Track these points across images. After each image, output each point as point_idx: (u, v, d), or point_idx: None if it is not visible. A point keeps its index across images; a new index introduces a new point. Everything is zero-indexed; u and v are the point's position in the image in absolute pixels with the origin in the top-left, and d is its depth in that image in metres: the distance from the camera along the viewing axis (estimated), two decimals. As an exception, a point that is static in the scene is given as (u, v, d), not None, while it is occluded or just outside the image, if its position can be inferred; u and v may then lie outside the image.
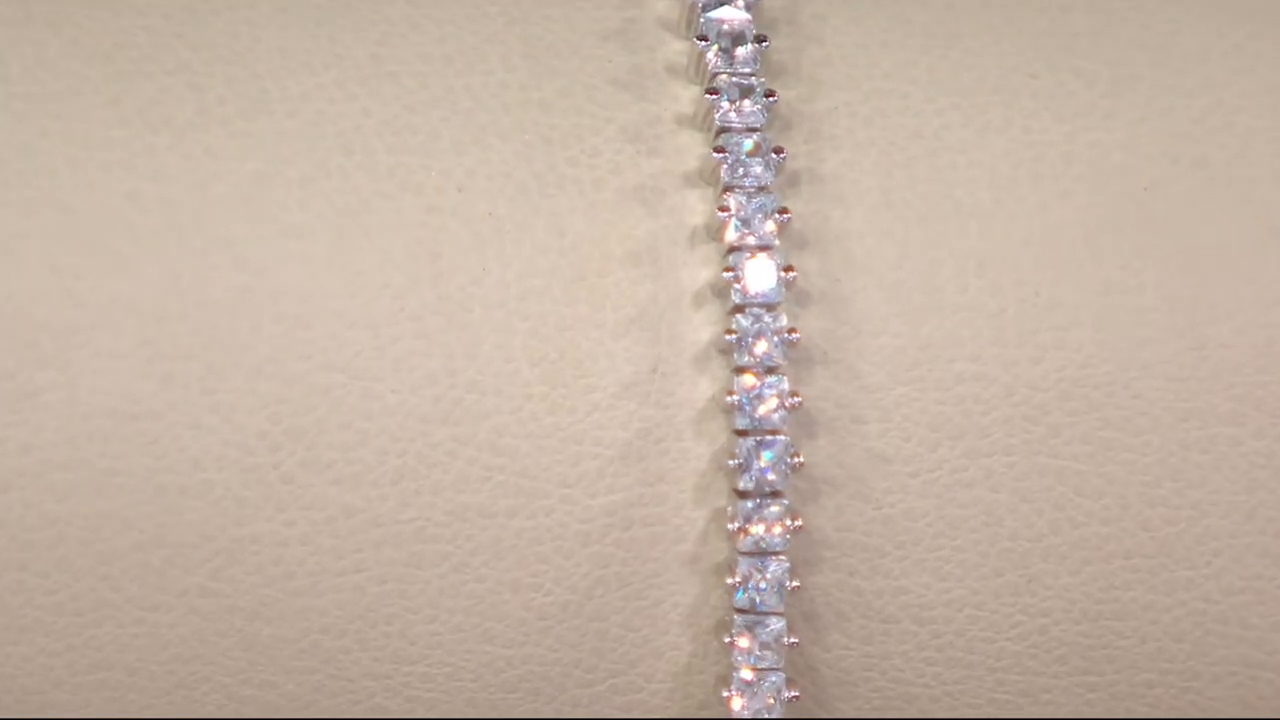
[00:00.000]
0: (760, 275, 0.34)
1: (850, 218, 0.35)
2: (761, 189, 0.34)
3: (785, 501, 0.34)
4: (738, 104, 0.35)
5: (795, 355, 0.34)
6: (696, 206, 0.35)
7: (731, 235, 0.34)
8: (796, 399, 0.34)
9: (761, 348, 0.34)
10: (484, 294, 0.34)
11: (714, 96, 0.34)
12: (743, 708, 0.34)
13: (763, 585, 0.34)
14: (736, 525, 0.34)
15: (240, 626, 0.34)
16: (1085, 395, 0.35)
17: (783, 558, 0.34)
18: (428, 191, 0.34)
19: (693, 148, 0.35)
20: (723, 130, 0.35)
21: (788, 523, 0.34)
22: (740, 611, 0.34)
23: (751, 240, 0.34)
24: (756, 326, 0.34)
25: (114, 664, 0.34)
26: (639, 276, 0.34)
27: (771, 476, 0.34)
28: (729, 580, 0.34)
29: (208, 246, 0.34)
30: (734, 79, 0.35)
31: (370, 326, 0.34)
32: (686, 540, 0.35)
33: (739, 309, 0.34)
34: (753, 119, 0.34)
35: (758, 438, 0.34)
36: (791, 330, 0.34)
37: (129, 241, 0.33)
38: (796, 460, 0.34)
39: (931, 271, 0.35)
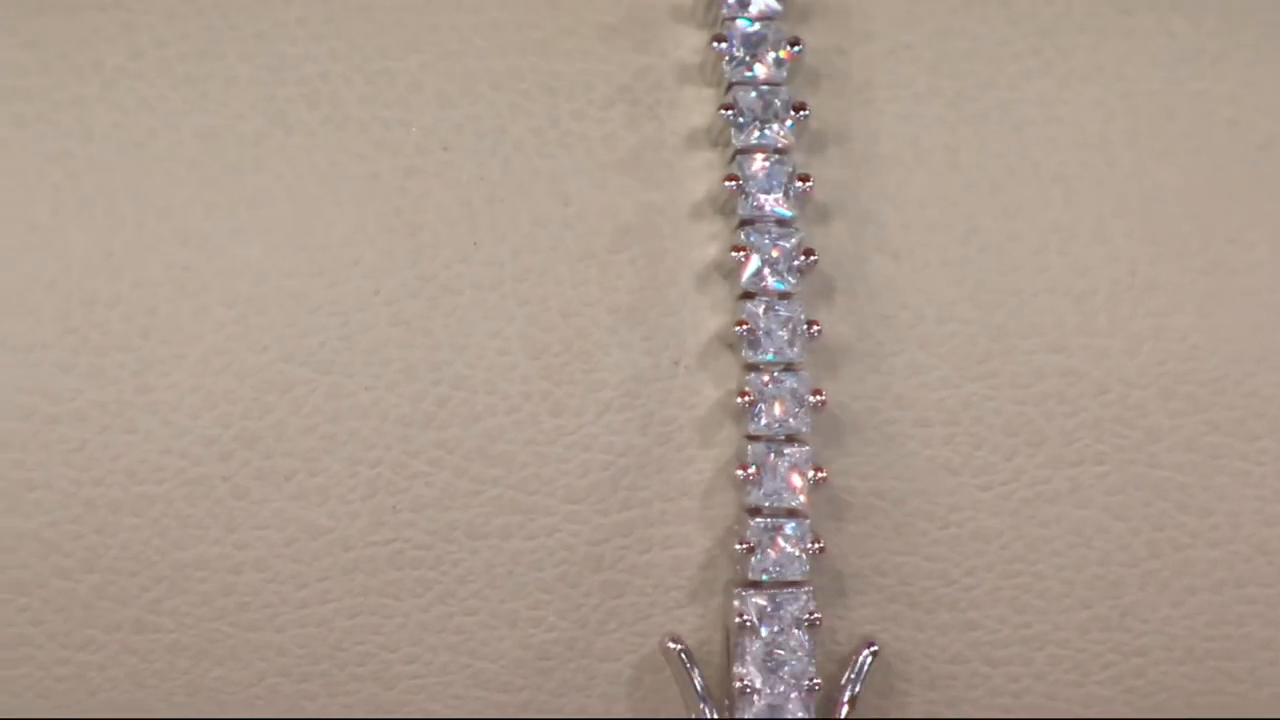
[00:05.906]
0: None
1: (911, 183, 0.34)
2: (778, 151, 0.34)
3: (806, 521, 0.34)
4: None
5: (817, 345, 0.34)
6: (703, 174, 0.35)
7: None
8: (820, 398, 0.34)
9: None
10: (473, 273, 0.33)
11: (720, 44, 0.34)
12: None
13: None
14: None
15: (184, 668, 0.34)
16: (1190, 393, 0.34)
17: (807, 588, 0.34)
18: (407, 151, 0.34)
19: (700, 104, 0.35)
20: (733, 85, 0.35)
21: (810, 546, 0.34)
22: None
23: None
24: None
25: (33, 711, 0.34)
26: (657, 252, 0.34)
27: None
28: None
29: (144, 217, 0.33)
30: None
31: (339, 312, 0.33)
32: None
33: (748, 295, 0.34)
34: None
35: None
36: (811, 324, 0.34)
37: (50, 211, 0.33)
38: (819, 476, 0.34)
39: (1006, 247, 0.34)
